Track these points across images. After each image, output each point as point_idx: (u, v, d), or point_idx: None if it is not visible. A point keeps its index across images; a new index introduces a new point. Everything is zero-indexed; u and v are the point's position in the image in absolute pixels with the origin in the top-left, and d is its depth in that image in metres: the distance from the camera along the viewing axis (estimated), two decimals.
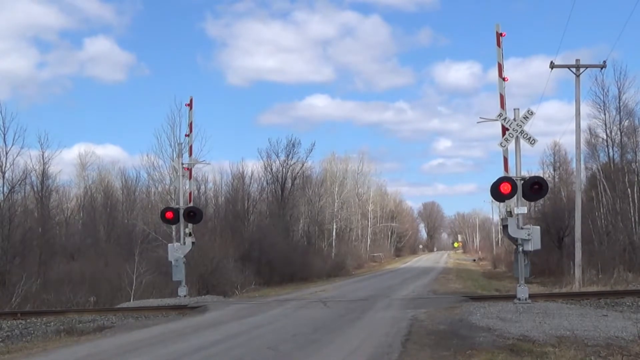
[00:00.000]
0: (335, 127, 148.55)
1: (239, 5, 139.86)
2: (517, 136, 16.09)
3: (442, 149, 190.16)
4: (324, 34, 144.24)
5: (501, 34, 16.39)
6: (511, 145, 16.23)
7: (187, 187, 22.72)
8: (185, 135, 22.99)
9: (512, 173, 16.26)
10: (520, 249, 15.93)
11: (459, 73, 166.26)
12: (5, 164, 31.77)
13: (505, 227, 16.30)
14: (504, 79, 16.38)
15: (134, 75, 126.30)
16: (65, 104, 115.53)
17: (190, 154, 22.87)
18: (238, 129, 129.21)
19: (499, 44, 16.37)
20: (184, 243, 21.30)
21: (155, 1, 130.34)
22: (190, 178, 23.05)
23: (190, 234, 21.43)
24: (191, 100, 22.20)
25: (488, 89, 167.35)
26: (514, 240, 16.07)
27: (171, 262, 21.23)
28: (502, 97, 16.30)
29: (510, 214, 15.99)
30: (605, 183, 37.06)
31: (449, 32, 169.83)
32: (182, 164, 22.35)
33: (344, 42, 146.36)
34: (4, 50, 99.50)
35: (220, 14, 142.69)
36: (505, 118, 16.11)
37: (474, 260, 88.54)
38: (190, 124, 22.22)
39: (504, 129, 16.14)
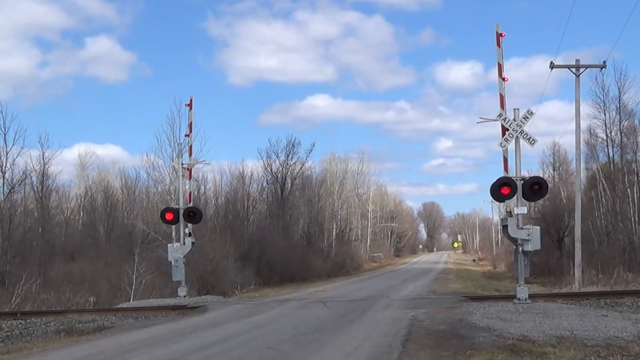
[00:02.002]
0: (336, 127, 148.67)
1: (240, 4, 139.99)
2: (517, 136, 16.11)
3: (442, 149, 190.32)
4: (326, 33, 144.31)
5: (501, 34, 16.37)
6: (511, 146, 16.26)
7: (186, 187, 22.73)
8: (185, 135, 22.99)
9: (512, 173, 16.27)
10: (520, 249, 15.96)
11: (460, 73, 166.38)
12: (6, 164, 31.87)
13: (505, 227, 16.30)
14: (503, 79, 16.36)
15: (135, 75, 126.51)
16: (67, 103, 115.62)
17: (190, 154, 22.87)
18: (239, 129, 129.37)
19: (498, 44, 16.35)
20: (184, 243, 21.29)
21: (157, 0, 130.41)
22: (190, 178, 23.06)
23: (190, 234, 21.44)
24: (191, 101, 22.19)
25: (489, 88, 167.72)
26: (514, 240, 16.08)
27: (171, 262, 21.26)
28: (502, 97, 16.28)
29: (510, 214, 15.99)
30: (605, 183, 37.08)
31: (451, 32, 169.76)
32: (182, 164, 22.35)
33: (346, 42, 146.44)
34: (5, 49, 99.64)
35: (222, 13, 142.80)
36: (505, 118, 16.12)
37: (474, 260, 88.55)
38: (190, 124, 22.20)
39: (504, 129, 16.14)
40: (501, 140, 16.20)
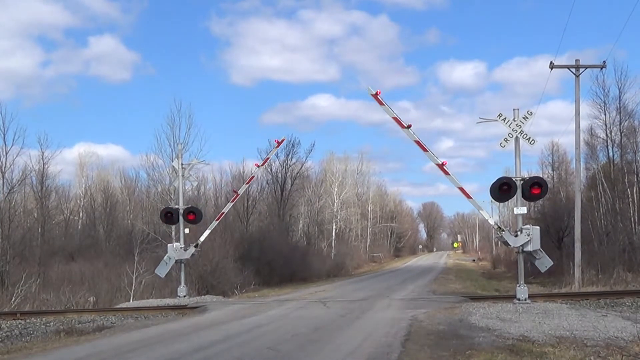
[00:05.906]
0: (339, 127, 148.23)
1: (244, 3, 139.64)
2: (517, 136, 16.17)
3: (444, 149, 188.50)
4: (330, 33, 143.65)
5: (376, 93, 16.65)
6: (510, 145, 16.29)
7: (225, 209, 24.04)
8: (256, 165, 25.46)
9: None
10: (521, 249, 16.06)
11: (463, 72, 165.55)
12: (5, 164, 31.86)
13: (505, 242, 16.54)
14: (408, 127, 16.74)
15: (139, 75, 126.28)
16: (69, 103, 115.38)
17: (249, 182, 26.16)
18: (240, 128, 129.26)
19: (380, 103, 16.77)
20: (186, 249, 21.32)
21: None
22: (234, 200, 24.87)
23: (197, 245, 21.67)
24: (282, 140, 24.00)
25: (492, 88, 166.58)
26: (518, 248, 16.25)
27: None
28: (419, 143, 16.82)
29: (500, 230, 16.25)
30: (605, 183, 37.06)
31: (457, 32, 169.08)
32: (182, 164, 22.42)
33: (351, 41, 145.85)
34: (8, 49, 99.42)
35: (225, 12, 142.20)
36: (505, 118, 16.20)
37: (474, 260, 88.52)
38: (267, 159, 25.74)
39: (437, 166, 16.81)
40: (501, 141, 16.32)
